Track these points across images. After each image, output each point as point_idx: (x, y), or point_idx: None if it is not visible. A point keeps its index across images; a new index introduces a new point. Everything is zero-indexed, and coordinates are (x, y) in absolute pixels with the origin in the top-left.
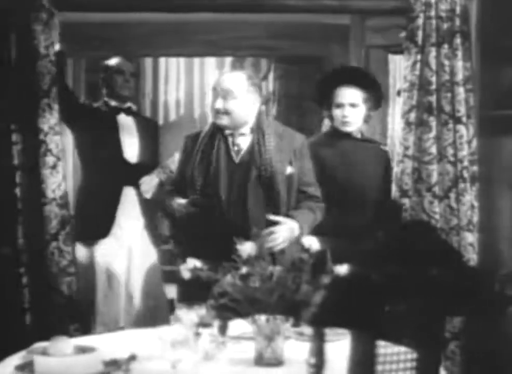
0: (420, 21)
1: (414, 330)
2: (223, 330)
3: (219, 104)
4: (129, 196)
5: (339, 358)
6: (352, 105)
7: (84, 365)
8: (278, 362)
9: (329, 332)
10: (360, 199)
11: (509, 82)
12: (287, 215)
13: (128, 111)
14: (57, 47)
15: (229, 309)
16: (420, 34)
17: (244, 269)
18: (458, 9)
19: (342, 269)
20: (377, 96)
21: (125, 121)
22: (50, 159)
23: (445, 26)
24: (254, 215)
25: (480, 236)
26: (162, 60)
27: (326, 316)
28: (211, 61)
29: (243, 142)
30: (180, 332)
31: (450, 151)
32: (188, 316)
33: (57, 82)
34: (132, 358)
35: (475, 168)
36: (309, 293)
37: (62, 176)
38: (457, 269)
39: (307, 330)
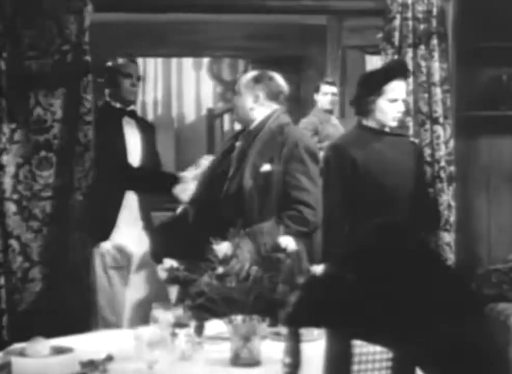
0: (397, 22)
1: (390, 329)
2: (199, 330)
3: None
4: (129, 201)
5: (315, 357)
6: (404, 100)
7: (61, 366)
8: (254, 362)
9: (305, 332)
10: (399, 195)
11: (486, 83)
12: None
13: (131, 114)
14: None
15: (205, 309)
16: (397, 34)
17: (220, 269)
18: (434, 10)
19: (317, 269)
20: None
21: (129, 124)
22: (77, 148)
23: (421, 27)
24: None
25: (457, 236)
26: (139, 60)
27: (301, 315)
28: (188, 62)
29: (239, 140)
30: (156, 332)
31: (427, 151)
32: (164, 316)
33: None
34: (109, 358)
35: (452, 168)
36: (286, 293)
37: (88, 166)
38: (434, 269)
39: (284, 329)
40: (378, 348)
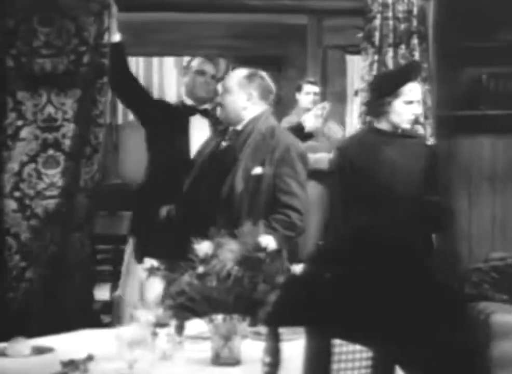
0: (377, 22)
1: (369, 328)
2: (179, 329)
3: (219, 97)
4: None
5: (295, 357)
6: (419, 102)
7: (42, 365)
8: (234, 361)
9: (285, 331)
10: (401, 197)
11: (466, 83)
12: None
13: (205, 113)
14: (116, 37)
15: (186, 308)
16: (377, 34)
17: (201, 269)
18: (415, 10)
19: (298, 268)
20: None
21: (199, 122)
22: (87, 149)
23: (402, 26)
24: (213, 214)
25: (437, 235)
26: None
27: (281, 315)
28: (169, 61)
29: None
30: (137, 332)
31: None
32: (145, 315)
33: (123, 74)
34: (90, 358)
35: None
36: (266, 293)
37: (96, 168)
38: (412, 269)
39: (264, 329)
40: (357, 347)
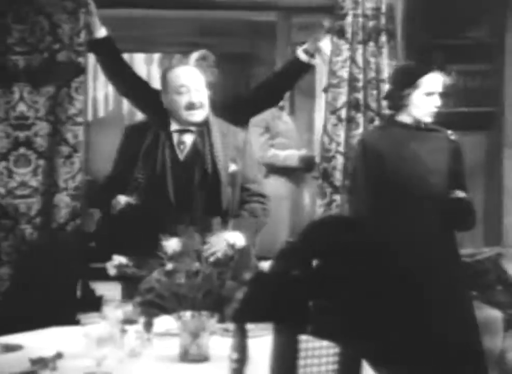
0: (349, 19)
1: (337, 324)
2: (148, 326)
3: (195, 97)
4: None
5: (263, 353)
6: (440, 94)
7: (11, 363)
8: (203, 358)
9: (253, 328)
10: (421, 194)
11: None
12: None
13: None
14: (102, 32)
15: (155, 305)
16: (350, 31)
17: (169, 266)
18: (383, 8)
19: (265, 265)
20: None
21: None
22: (64, 149)
23: (370, 24)
24: (199, 216)
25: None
26: (91, 56)
27: (248, 311)
28: (139, 57)
29: (188, 139)
30: (106, 329)
31: None
32: (113, 313)
33: (119, 67)
34: (59, 355)
35: None
36: (234, 289)
37: (78, 167)
38: (381, 263)
39: (232, 325)
40: (325, 343)
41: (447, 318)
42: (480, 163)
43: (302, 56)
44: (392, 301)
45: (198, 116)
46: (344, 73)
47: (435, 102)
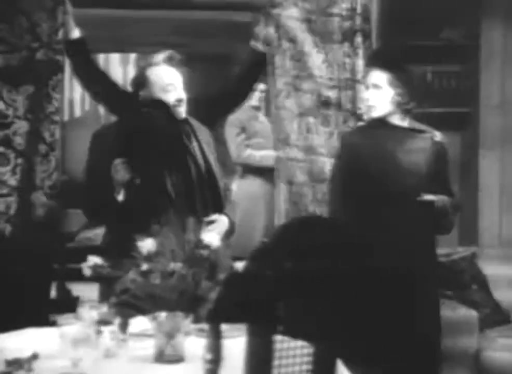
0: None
1: (310, 324)
2: (123, 327)
3: (182, 94)
4: None
5: (237, 353)
6: (375, 87)
7: None
8: (178, 358)
9: (228, 328)
10: (396, 195)
11: None
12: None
13: None
14: (76, 33)
15: (130, 306)
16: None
17: (145, 266)
18: (359, 8)
19: (240, 265)
20: (404, 78)
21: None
22: (42, 147)
23: (346, 24)
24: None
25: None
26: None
27: (222, 312)
28: (115, 57)
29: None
30: (81, 330)
31: None
32: (89, 313)
33: (90, 69)
34: (34, 356)
35: None
36: (209, 290)
37: (53, 166)
38: (354, 263)
39: (207, 326)
40: (299, 343)
41: (420, 318)
42: (456, 163)
43: (256, 45)
44: (366, 300)
45: (183, 112)
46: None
47: (366, 95)
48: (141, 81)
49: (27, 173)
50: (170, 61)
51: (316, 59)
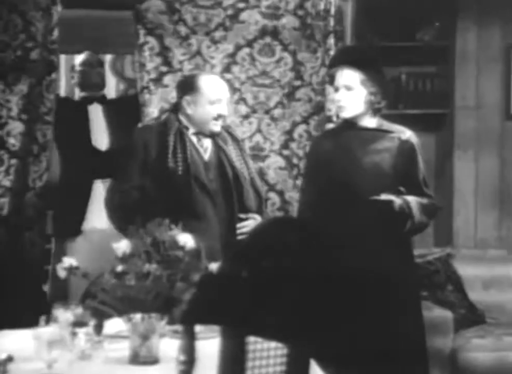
0: (283, 20)
1: (285, 325)
2: (98, 329)
3: (225, 110)
4: (98, 191)
5: (211, 355)
6: (347, 88)
7: None
8: (153, 360)
9: (203, 330)
10: (362, 195)
11: None
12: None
13: (101, 100)
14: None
15: (105, 307)
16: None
17: (120, 268)
18: (332, 10)
19: (215, 266)
20: (377, 78)
21: (97, 110)
22: (34, 148)
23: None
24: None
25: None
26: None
27: (195, 313)
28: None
29: (208, 143)
30: (56, 331)
31: None
32: (64, 315)
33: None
34: (9, 359)
35: None
36: (184, 291)
37: (44, 166)
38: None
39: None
40: (272, 344)
41: (396, 318)
42: (431, 164)
43: None
44: (340, 301)
45: (220, 126)
46: (276, 74)
47: (338, 97)
48: (191, 86)
49: (21, 174)
50: (87, 63)
51: None
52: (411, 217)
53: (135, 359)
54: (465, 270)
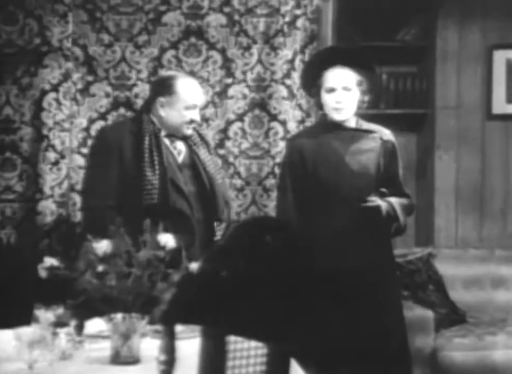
0: (261, 20)
1: (265, 325)
2: (79, 329)
3: (197, 116)
4: None
5: (192, 354)
6: (346, 89)
7: None
8: (133, 360)
9: (184, 329)
10: (344, 195)
11: None
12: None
13: None
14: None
15: (86, 307)
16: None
17: (100, 267)
18: (309, 9)
19: (194, 266)
20: (371, 78)
21: None
22: (51, 155)
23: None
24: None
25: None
26: None
27: (175, 313)
28: None
29: (181, 146)
30: (37, 332)
31: None
32: (45, 315)
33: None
34: None
35: None
36: (164, 291)
37: (64, 174)
38: (305, 264)
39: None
40: (253, 343)
41: (378, 317)
42: (412, 164)
43: None
44: (320, 300)
45: (191, 130)
46: (204, 73)
47: (337, 98)
48: (167, 89)
49: (34, 180)
50: None
51: None
52: (396, 220)
53: (116, 359)
54: (446, 269)
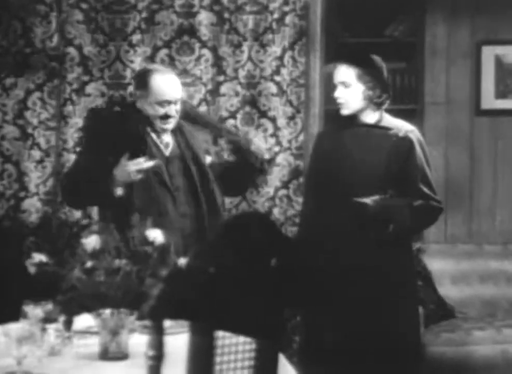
0: (250, 17)
1: (253, 320)
2: (68, 325)
3: (173, 111)
4: None
5: (180, 350)
6: (344, 84)
7: None
8: (122, 355)
9: (173, 325)
10: (355, 194)
11: None
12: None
13: None
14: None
15: (75, 303)
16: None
17: (89, 263)
18: (297, 5)
19: (183, 261)
20: (373, 73)
21: None
22: (36, 153)
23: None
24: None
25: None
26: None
27: (163, 308)
28: None
29: (168, 138)
30: (25, 327)
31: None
32: (33, 311)
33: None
34: None
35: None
36: (152, 286)
37: (49, 172)
38: (292, 260)
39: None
40: (241, 339)
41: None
42: None
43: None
44: (308, 296)
45: (171, 124)
46: (197, 71)
47: (336, 94)
48: (141, 82)
49: (17, 179)
50: None
51: None
52: (392, 222)
53: (105, 354)
54: (435, 265)
